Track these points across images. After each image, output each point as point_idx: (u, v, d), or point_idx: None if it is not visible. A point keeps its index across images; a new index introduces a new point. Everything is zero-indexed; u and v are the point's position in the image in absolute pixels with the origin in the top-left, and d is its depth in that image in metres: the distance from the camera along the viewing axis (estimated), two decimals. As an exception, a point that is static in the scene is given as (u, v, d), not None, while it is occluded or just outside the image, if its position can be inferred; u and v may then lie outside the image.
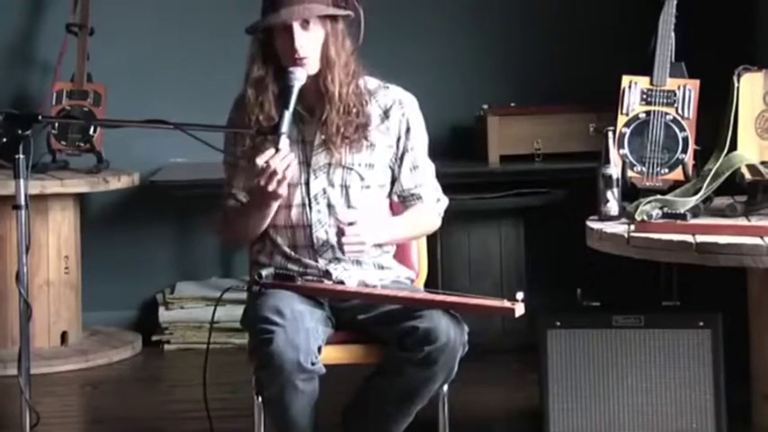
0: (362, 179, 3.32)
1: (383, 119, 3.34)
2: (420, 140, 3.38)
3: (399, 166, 3.37)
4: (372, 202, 3.35)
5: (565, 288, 3.94)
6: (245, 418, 3.40)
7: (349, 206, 3.30)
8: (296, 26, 3.19)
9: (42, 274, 5.24)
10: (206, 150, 3.36)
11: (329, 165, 3.30)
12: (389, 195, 3.41)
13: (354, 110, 3.27)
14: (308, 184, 3.30)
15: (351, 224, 3.18)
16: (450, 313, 3.14)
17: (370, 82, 3.35)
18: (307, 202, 3.30)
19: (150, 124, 3.09)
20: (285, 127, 3.08)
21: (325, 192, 3.30)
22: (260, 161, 3.11)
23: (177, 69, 5.61)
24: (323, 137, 3.28)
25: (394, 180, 3.39)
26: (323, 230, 3.30)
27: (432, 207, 3.41)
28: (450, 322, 3.11)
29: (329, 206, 3.30)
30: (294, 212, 3.30)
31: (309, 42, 3.21)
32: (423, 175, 3.39)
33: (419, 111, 3.38)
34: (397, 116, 3.35)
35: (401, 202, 3.42)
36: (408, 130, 3.35)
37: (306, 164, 3.30)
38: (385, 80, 3.39)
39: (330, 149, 3.28)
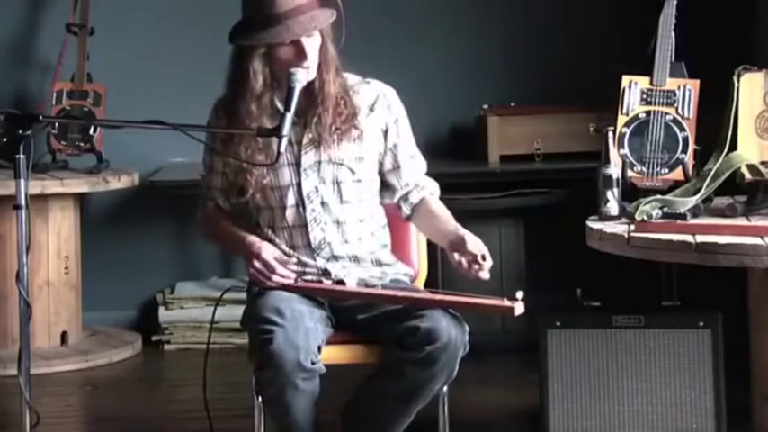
0: (353, 173, 3.32)
1: (368, 113, 3.34)
2: (408, 130, 3.41)
3: (395, 159, 3.37)
4: (364, 196, 3.35)
5: (565, 288, 3.94)
6: (245, 418, 3.40)
7: (342, 201, 3.31)
8: (304, 38, 3.18)
9: (42, 274, 5.24)
10: (206, 150, 3.38)
11: (319, 162, 3.29)
12: (386, 197, 3.41)
13: (342, 101, 3.27)
14: (299, 184, 3.30)
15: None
16: (451, 313, 3.15)
17: (350, 78, 3.34)
18: (300, 202, 3.30)
19: (150, 125, 3.09)
20: (287, 129, 3.07)
21: (317, 190, 3.30)
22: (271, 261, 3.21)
23: (177, 69, 5.61)
24: (311, 136, 3.28)
25: (384, 175, 3.38)
26: (319, 229, 3.31)
27: (435, 195, 3.43)
28: (451, 322, 3.11)
29: (322, 204, 3.30)
30: (289, 213, 3.31)
31: (314, 51, 3.21)
32: (420, 164, 3.42)
33: (401, 102, 3.40)
34: (382, 109, 3.35)
35: (402, 199, 3.40)
36: (397, 121, 3.37)
37: (296, 165, 3.30)
38: (383, 79, 3.40)
39: (318, 147, 3.28)
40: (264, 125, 3.19)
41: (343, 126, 3.27)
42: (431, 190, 3.42)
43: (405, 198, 3.40)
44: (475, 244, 3.17)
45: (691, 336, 3.68)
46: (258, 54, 3.21)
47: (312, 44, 3.20)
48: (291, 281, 3.24)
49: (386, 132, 3.36)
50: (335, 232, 3.31)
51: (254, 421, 3.28)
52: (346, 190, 3.32)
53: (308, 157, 3.29)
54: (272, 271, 3.22)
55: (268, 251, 3.25)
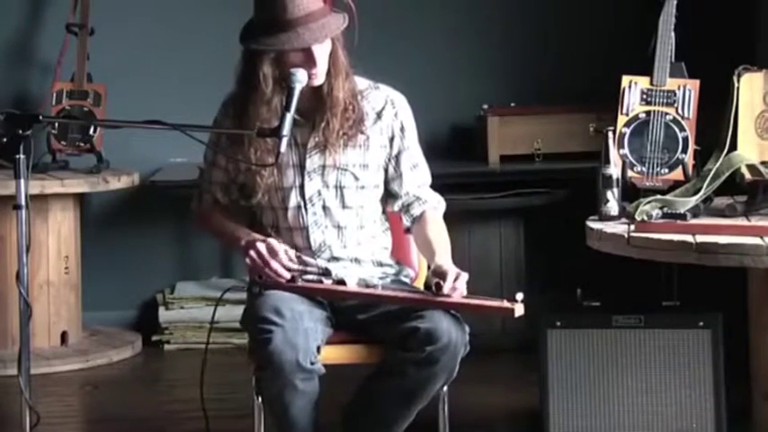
0: (357, 179, 3.31)
1: (376, 120, 3.33)
2: (414, 139, 3.39)
3: (397, 167, 3.36)
4: (367, 203, 3.35)
5: (565, 288, 3.93)
6: (245, 418, 3.40)
7: (344, 207, 3.31)
8: (315, 46, 3.17)
9: (42, 274, 5.24)
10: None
11: (323, 166, 3.29)
12: (389, 205, 3.40)
13: (350, 106, 3.27)
14: (302, 186, 3.29)
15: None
16: (452, 314, 3.14)
17: (360, 82, 3.33)
18: (302, 204, 3.30)
19: (150, 125, 3.08)
20: (287, 129, 3.06)
21: (320, 193, 3.30)
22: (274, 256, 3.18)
23: (177, 69, 5.61)
24: (317, 139, 3.27)
25: (387, 182, 3.38)
26: (319, 232, 3.30)
27: (438, 210, 3.40)
28: (451, 323, 3.11)
29: (324, 208, 3.30)
30: (290, 215, 3.30)
31: (323, 58, 3.20)
32: (423, 174, 3.40)
33: (410, 109, 3.39)
34: (389, 116, 3.34)
35: (404, 210, 3.38)
36: (402, 128, 3.35)
37: (300, 167, 3.30)
38: (383, 80, 3.39)
39: (324, 151, 3.27)
40: (272, 124, 3.18)
41: (350, 131, 3.26)
42: (433, 204, 3.39)
43: (406, 209, 3.38)
44: (453, 277, 3.10)
45: (691, 336, 3.68)
46: (268, 58, 3.19)
47: (322, 51, 3.18)
48: (288, 275, 3.22)
49: (392, 139, 3.35)
50: (335, 236, 3.31)
51: (254, 421, 3.28)
52: (349, 196, 3.31)
53: (313, 161, 3.29)
54: (275, 256, 3.20)
55: (273, 241, 3.23)
